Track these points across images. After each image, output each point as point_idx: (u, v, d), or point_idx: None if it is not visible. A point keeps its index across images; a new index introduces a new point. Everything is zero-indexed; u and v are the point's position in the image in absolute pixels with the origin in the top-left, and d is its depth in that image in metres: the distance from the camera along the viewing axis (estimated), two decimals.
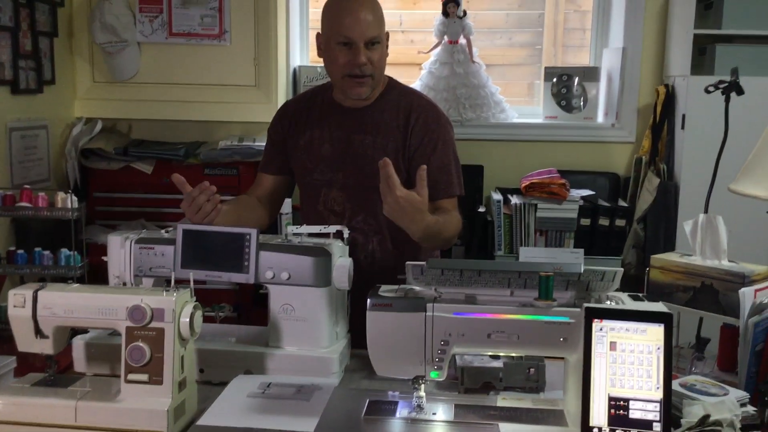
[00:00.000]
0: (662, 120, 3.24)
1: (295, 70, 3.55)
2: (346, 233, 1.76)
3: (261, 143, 3.30)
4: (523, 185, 3.20)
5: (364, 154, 1.98)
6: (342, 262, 1.65)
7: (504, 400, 1.44)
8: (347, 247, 1.74)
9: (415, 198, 1.68)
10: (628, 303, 1.31)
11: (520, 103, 3.66)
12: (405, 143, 1.98)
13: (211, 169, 3.18)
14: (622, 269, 1.37)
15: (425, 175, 1.68)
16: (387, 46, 1.98)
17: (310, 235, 1.74)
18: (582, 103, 3.51)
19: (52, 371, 1.50)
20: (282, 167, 2.12)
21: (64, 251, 2.62)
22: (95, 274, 2.45)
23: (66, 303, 1.42)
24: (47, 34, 3.16)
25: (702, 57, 3.17)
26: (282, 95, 3.43)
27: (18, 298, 1.42)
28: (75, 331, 1.65)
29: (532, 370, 1.55)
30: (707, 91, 2.13)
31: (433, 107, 2.05)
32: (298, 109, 2.10)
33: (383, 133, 1.98)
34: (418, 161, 1.92)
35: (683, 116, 3.08)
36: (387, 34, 1.97)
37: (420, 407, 1.37)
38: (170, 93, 3.37)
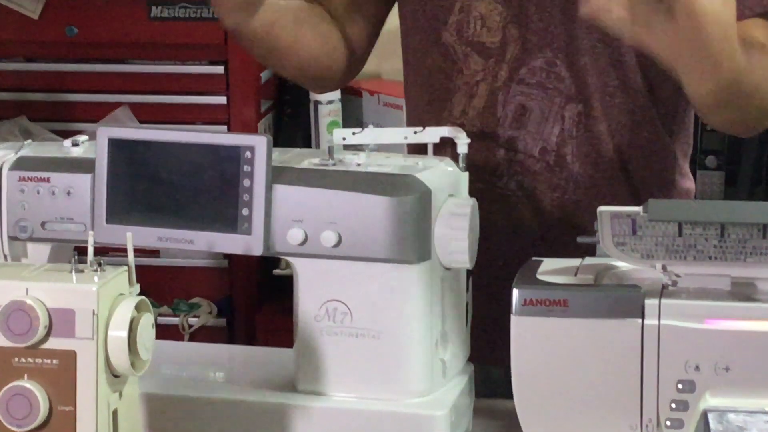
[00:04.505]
0: None
1: None
2: (463, 146, 1.73)
3: None
4: None
5: None
6: (456, 209, 1.65)
7: None
8: (466, 173, 1.73)
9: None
10: None
11: None
12: None
13: (163, 6, 3.25)
14: None
15: None
16: None
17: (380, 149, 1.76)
18: None
19: None
20: None
21: None
22: None
23: None
24: None
25: None
26: None
27: None
28: None
29: None
30: None
31: None
32: None
33: None
34: None
35: None
36: None
37: None
38: None
